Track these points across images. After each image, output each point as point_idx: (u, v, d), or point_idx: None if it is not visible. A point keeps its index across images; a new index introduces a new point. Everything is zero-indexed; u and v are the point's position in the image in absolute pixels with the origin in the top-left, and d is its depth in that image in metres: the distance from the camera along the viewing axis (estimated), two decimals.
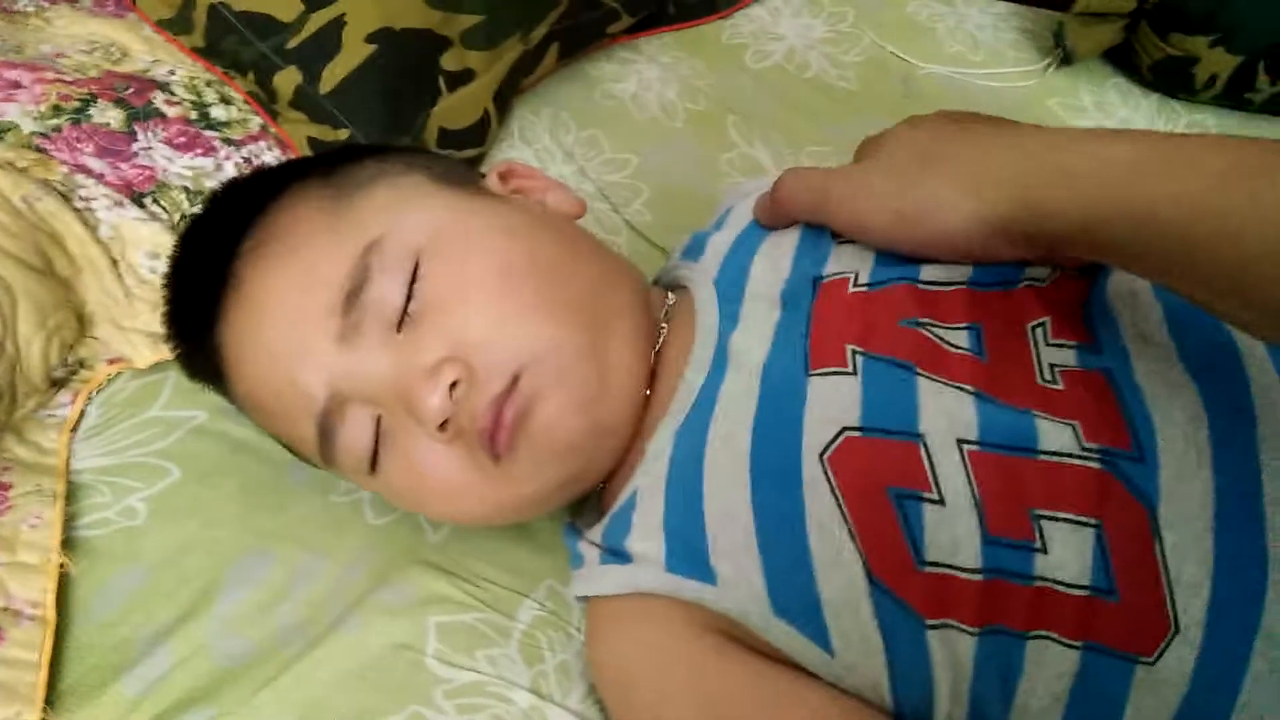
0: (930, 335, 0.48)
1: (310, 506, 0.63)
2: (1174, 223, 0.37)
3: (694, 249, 0.64)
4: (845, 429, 0.45)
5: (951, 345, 0.47)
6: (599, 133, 0.95)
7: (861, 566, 0.44)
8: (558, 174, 0.90)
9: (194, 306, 0.57)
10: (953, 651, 0.43)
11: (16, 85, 0.75)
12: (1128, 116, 1.04)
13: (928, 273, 0.50)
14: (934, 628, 0.43)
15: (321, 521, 0.62)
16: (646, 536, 0.49)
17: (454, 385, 0.48)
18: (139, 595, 0.58)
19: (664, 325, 0.58)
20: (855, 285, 0.51)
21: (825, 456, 0.45)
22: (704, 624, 0.47)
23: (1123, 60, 1.08)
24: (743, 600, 0.46)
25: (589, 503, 0.59)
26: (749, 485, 0.47)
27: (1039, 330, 0.47)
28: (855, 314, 0.50)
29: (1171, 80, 1.03)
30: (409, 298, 0.50)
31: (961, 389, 0.45)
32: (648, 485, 0.51)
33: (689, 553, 0.48)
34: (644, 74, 1.01)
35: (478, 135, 0.89)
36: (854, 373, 0.47)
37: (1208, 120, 1.03)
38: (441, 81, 0.85)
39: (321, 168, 0.58)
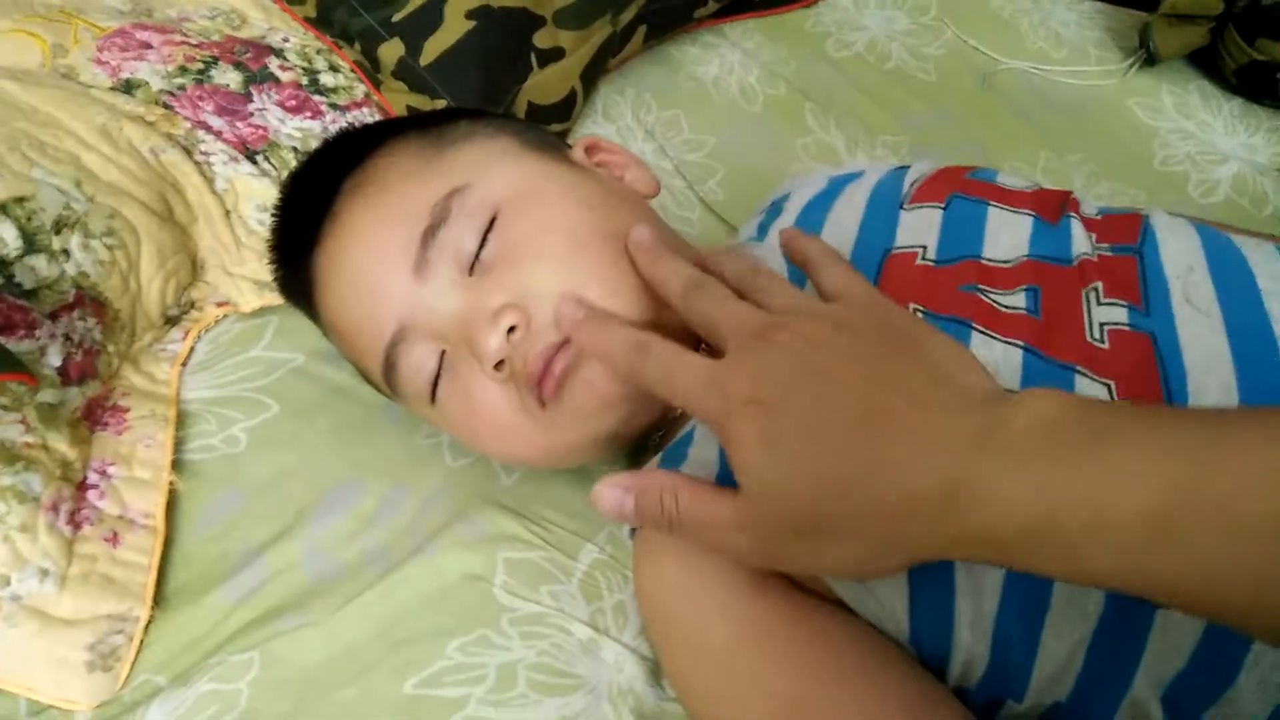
0: (986, 299, 0.51)
1: (397, 445, 0.68)
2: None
3: (760, 232, 0.67)
4: None
5: (1006, 307, 0.51)
6: (680, 113, 0.99)
7: None
8: (638, 151, 0.94)
9: (296, 235, 0.62)
10: (979, 582, 0.45)
11: (147, 46, 0.81)
12: (1208, 120, 1.04)
13: (990, 250, 0.54)
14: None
15: (406, 459, 0.67)
16: (701, 466, 0.53)
17: (512, 330, 0.52)
18: (240, 514, 0.64)
19: None
20: (923, 259, 0.55)
21: None
22: None
23: (1207, 63, 1.08)
24: None
25: (648, 452, 0.63)
26: None
27: (1092, 293, 0.51)
28: (920, 282, 0.53)
29: (1256, 85, 1.03)
30: (482, 244, 0.55)
31: (1011, 343, 0.49)
32: None
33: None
34: (726, 58, 1.05)
35: (564, 111, 0.93)
36: None
37: None
38: (533, 58, 0.90)
39: (422, 124, 0.63)
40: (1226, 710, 0.43)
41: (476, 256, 0.55)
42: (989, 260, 0.54)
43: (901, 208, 0.59)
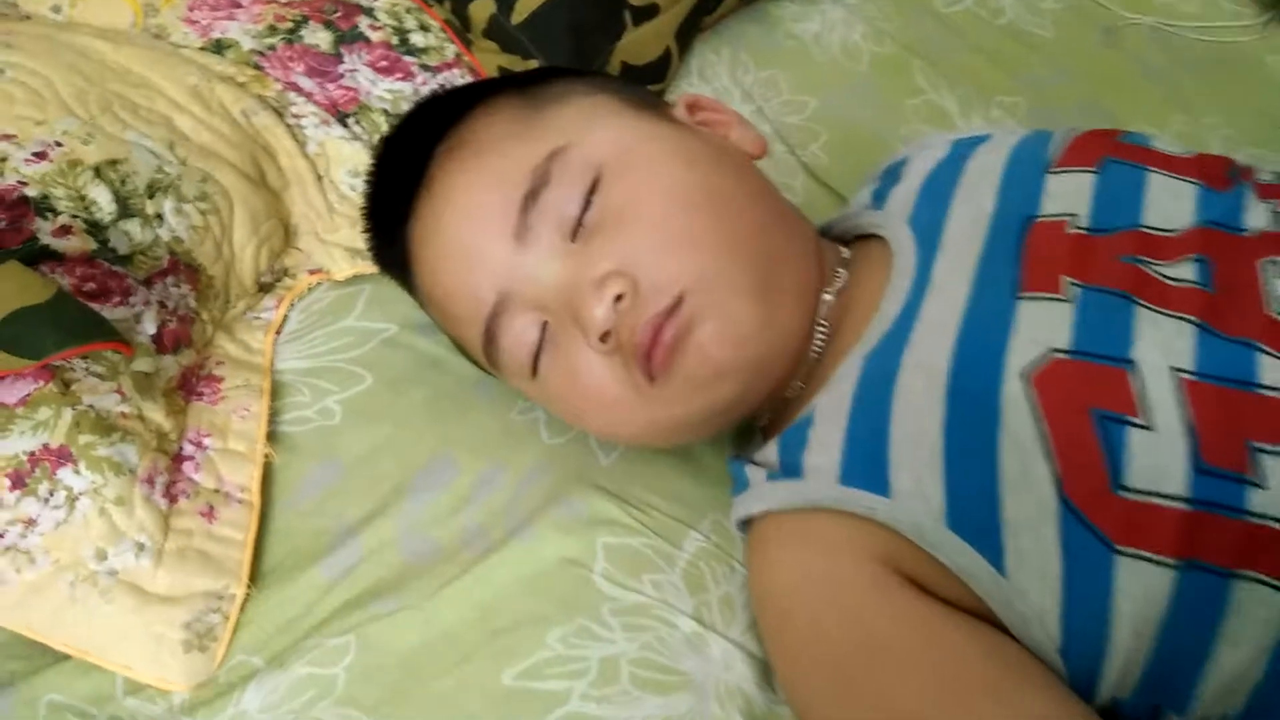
0: (1150, 271, 0.47)
1: (492, 421, 0.65)
2: None
3: (876, 200, 0.63)
4: (1053, 350, 0.45)
5: (1173, 279, 0.47)
6: (778, 73, 0.94)
7: (1053, 486, 0.43)
8: None
9: (390, 204, 0.60)
10: (1144, 584, 0.41)
11: (237, 5, 0.79)
12: None
13: (1152, 219, 0.49)
14: (1123, 555, 0.41)
15: (502, 435, 0.65)
16: (824, 450, 0.49)
17: (619, 299, 0.49)
18: (335, 489, 0.62)
19: (839, 271, 0.58)
20: (1074, 227, 0.50)
21: (1030, 375, 0.45)
22: (868, 551, 0.47)
23: None
24: (916, 513, 0.45)
25: (754, 438, 0.60)
26: (944, 404, 0.46)
27: (1271, 265, 0.46)
28: (1071, 252, 0.49)
29: None
30: (585, 208, 0.51)
31: (1183, 319, 0.45)
32: (829, 404, 0.51)
33: (867, 465, 0.47)
34: (828, 14, 0.99)
35: (659, 71, 0.89)
36: (1068, 300, 0.47)
37: None
38: (627, 16, 0.86)
39: (517, 85, 0.60)
40: None
41: (579, 221, 0.51)
42: (1151, 229, 0.49)
43: (1047, 172, 0.54)
